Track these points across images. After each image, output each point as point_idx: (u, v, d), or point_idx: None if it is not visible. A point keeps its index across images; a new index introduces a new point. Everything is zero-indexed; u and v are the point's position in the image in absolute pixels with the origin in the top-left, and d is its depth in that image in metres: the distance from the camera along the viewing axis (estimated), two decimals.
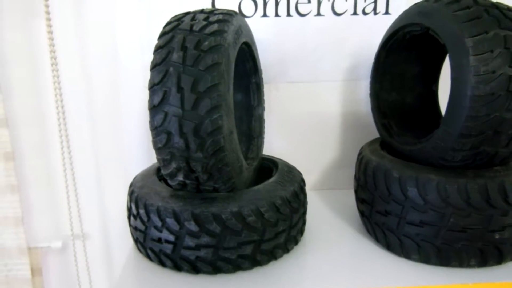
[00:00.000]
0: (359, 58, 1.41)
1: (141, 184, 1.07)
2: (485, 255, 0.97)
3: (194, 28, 0.92)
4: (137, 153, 1.46)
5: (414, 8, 1.08)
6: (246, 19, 1.32)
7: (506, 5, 0.97)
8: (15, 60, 1.35)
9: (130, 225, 1.07)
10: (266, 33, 1.38)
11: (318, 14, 1.38)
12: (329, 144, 1.50)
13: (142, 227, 1.00)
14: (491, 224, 0.95)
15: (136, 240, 1.05)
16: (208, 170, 0.92)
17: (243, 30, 1.05)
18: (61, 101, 1.35)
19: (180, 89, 0.87)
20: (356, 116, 1.46)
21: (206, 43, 0.89)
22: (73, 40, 1.36)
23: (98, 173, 1.49)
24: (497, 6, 0.94)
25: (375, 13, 1.38)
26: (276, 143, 1.45)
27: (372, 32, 1.37)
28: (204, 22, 0.93)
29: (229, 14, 0.98)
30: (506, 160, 1.00)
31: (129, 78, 1.41)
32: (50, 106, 1.37)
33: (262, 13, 1.37)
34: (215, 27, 0.92)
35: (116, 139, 1.45)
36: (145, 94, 1.37)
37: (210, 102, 0.87)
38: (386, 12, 1.38)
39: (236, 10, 1.35)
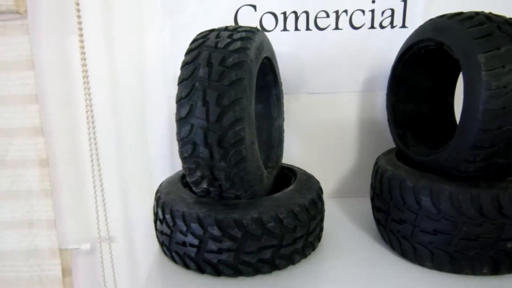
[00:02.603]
0: (376, 70, 1.45)
1: (167, 191, 1.13)
2: (497, 264, 1.00)
3: (219, 45, 0.98)
4: (161, 162, 1.53)
5: (429, 23, 1.12)
6: (267, 33, 1.38)
7: None
8: (50, 74, 1.44)
9: (156, 229, 1.14)
10: (286, 46, 1.43)
11: (337, 28, 1.43)
12: (346, 153, 1.55)
13: (168, 231, 1.06)
14: (503, 233, 0.97)
15: (161, 244, 1.12)
16: (230, 178, 0.98)
17: (265, 46, 1.11)
18: (92, 111, 1.42)
19: (205, 102, 0.93)
20: (372, 126, 1.50)
21: (230, 59, 0.95)
22: (103, 55, 1.44)
23: (124, 180, 1.57)
24: (510, 23, 0.97)
25: (392, 27, 1.43)
26: (295, 152, 1.50)
27: (389, 45, 1.42)
28: (228, 40, 1.00)
29: (251, 31, 1.04)
30: None
31: (153, 90, 1.48)
32: (81, 116, 1.45)
33: (282, 27, 1.42)
34: (238, 44, 0.98)
35: (141, 147, 1.53)
36: (168, 105, 1.47)
37: (234, 115, 0.93)
38: (403, 26, 1.42)
39: (258, 24, 1.42)
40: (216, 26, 1.10)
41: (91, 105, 1.42)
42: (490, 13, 1.02)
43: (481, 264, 1.00)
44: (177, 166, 1.46)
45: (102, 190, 1.51)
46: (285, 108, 1.39)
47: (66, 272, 1.52)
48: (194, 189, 1.06)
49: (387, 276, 1.06)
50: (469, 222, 0.98)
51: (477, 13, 1.01)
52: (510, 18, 1.00)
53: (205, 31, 1.07)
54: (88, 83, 1.41)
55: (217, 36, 1.02)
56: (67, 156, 1.50)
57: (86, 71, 1.39)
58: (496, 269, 1.01)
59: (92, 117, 1.42)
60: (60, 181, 1.51)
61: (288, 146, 1.41)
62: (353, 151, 1.54)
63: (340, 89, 1.49)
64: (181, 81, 0.98)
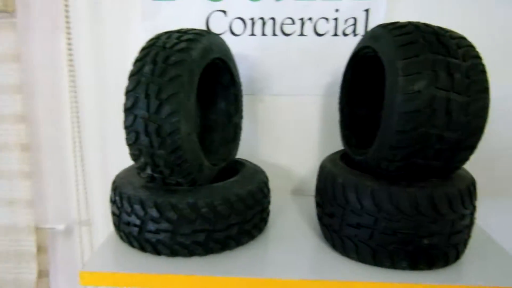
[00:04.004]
0: (338, 75, 1.50)
1: (122, 176, 1.24)
2: (416, 259, 1.05)
3: (167, 45, 1.09)
4: None
5: (369, 32, 1.19)
6: (236, 37, 1.49)
7: (450, 32, 1.06)
8: (37, 67, 1.59)
9: (111, 211, 1.25)
10: (253, 50, 1.53)
11: (302, 34, 1.51)
12: (308, 153, 1.62)
13: (117, 211, 1.17)
14: (420, 230, 1.03)
15: (114, 224, 1.23)
16: (169, 165, 1.08)
17: (214, 48, 1.20)
18: (76, 102, 1.56)
19: (147, 95, 1.04)
20: (332, 128, 1.56)
21: (173, 58, 1.06)
22: (89, 52, 1.59)
23: (105, 165, 1.69)
24: (437, 33, 1.03)
25: (355, 35, 1.50)
26: (258, 149, 1.59)
27: (351, 51, 1.48)
28: (176, 40, 1.10)
29: (200, 34, 1.14)
30: (443, 173, 1.08)
31: None
32: (65, 107, 1.59)
33: (250, 32, 1.52)
34: (183, 45, 1.08)
35: (122, 135, 1.64)
36: None
37: (170, 108, 1.03)
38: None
39: (227, 29, 1.52)
40: (184, 28, 1.21)
41: (76, 97, 1.56)
42: (423, 23, 1.08)
43: (400, 258, 1.06)
44: None
45: (83, 176, 1.64)
46: (250, 108, 1.48)
47: (41, 249, 1.65)
48: (141, 174, 1.17)
49: (317, 266, 1.13)
50: (388, 218, 1.04)
51: (411, 23, 1.08)
52: (440, 28, 1.05)
53: (160, 33, 1.18)
54: (74, 76, 1.55)
55: (168, 37, 1.13)
56: (51, 142, 1.64)
57: (73, 66, 1.53)
58: (414, 264, 1.06)
59: (77, 108, 1.56)
60: (43, 165, 1.65)
61: (250, 144, 1.50)
62: (314, 151, 1.61)
63: (303, 92, 1.57)
64: (130, 75, 1.09)
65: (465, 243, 1.11)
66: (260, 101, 1.58)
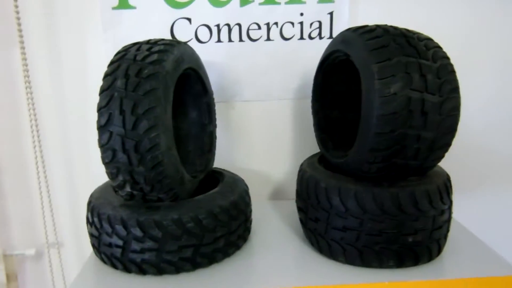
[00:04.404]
0: (306, 78, 1.54)
1: (98, 195, 1.19)
2: (402, 257, 1.08)
3: (138, 58, 1.05)
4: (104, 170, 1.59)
5: (339, 36, 1.21)
6: (202, 45, 1.46)
7: (417, 33, 1.09)
8: None
9: (88, 232, 1.20)
10: (221, 57, 1.51)
11: (268, 39, 1.51)
12: (280, 157, 1.63)
13: (96, 233, 1.12)
14: (404, 229, 1.06)
15: (93, 246, 1.18)
16: (150, 182, 1.05)
17: (186, 58, 1.18)
18: (36, 120, 1.48)
19: (122, 111, 1.00)
20: (304, 131, 1.59)
21: (146, 71, 1.02)
22: (45, 66, 1.51)
23: (70, 185, 1.62)
24: (405, 35, 1.06)
25: (320, 38, 1.52)
26: (231, 157, 1.57)
27: (318, 54, 1.48)
28: (147, 52, 1.07)
29: (170, 44, 1.11)
30: (420, 171, 1.11)
31: (97, 98, 1.54)
32: (25, 124, 1.51)
33: (216, 39, 1.50)
34: (155, 56, 1.05)
35: (85, 154, 1.58)
36: None
37: (148, 123, 0.99)
38: (330, 37, 1.51)
39: (193, 36, 1.49)
40: (153, 38, 1.18)
41: (35, 114, 1.48)
42: (391, 26, 1.11)
43: (387, 257, 1.08)
44: None
45: (48, 196, 1.56)
46: (222, 116, 1.47)
47: (11, 277, 1.56)
48: (119, 193, 1.12)
49: (305, 271, 1.13)
50: (373, 218, 1.06)
51: (379, 26, 1.10)
52: (408, 31, 1.09)
53: (129, 44, 1.14)
54: (31, 93, 1.47)
55: (138, 49, 1.09)
56: (11, 162, 1.55)
57: (29, 82, 1.45)
58: (400, 262, 1.09)
59: (37, 125, 1.48)
60: (4, 187, 1.56)
61: (224, 152, 1.48)
62: (286, 156, 1.62)
63: (273, 97, 1.57)
64: (102, 91, 1.04)
65: (445, 237, 1.15)
66: (231, 108, 1.56)
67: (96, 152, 1.56)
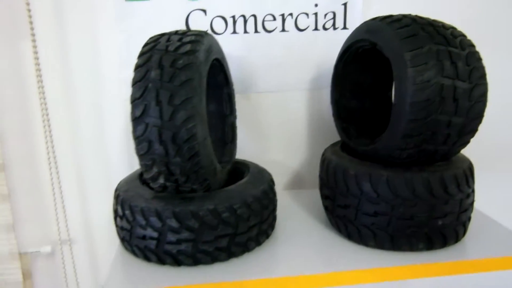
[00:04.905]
0: (321, 69, 1.56)
1: (125, 188, 1.18)
2: (431, 240, 1.11)
3: (170, 48, 1.04)
4: (119, 162, 1.57)
5: (364, 25, 1.23)
6: (217, 36, 1.46)
7: (441, 22, 1.12)
8: (3, 79, 1.45)
9: (116, 225, 1.18)
10: (236, 48, 1.51)
11: (283, 30, 1.52)
12: (296, 147, 1.64)
13: (128, 226, 1.11)
14: (434, 212, 1.09)
15: (122, 239, 1.16)
16: (185, 172, 1.04)
17: (214, 48, 1.18)
18: (47, 115, 1.45)
19: (158, 102, 0.99)
20: (320, 121, 1.61)
21: (181, 61, 1.01)
22: (57, 60, 1.47)
23: (82, 181, 1.59)
24: (432, 24, 1.09)
25: (334, 28, 1.53)
26: (248, 148, 1.58)
27: (332, 45, 1.52)
28: (178, 43, 1.06)
29: (200, 35, 1.11)
30: (446, 156, 1.15)
31: (109, 92, 1.52)
32: (36, 120, 1.47)
33: (232, 31, 1.50)
34: (188, 47, 1.04)
35: (98, 148, 1.56)
36: (124, 107, 1.51)
37: (185, 113, 0.99)
38: (344, 27, 1.53)
39: (208, 28, 1.48)
40: (168, 30, 1.16)
41: (46, 109, 1.44)
42: (416, 15, 1.13)
43: (417, 240, 1.11)
44: (135, 165, 1.51)
45: (61, 193, 1.53)
46: (237, 107, 1.46)
47: (26, 275, 1.52)
48: (151, 185, 1.11)
49: (335, 258, 1.15)
50: (404, 203, 1.09)
51: (405, 16, 1.13)
52: (433, 20, 1.12)
53: (156, 35, 1.13)
54: (42, 87, 1.43)
55: (168, 40, 1.08)
56: (23, 160, 1.51)
57: (40, 76, 1.41)
58: (430, 245, 1.12)
59: (48, 120, 1.44)
60: (17, 185, 1.52)
61: (242, 143, 1.48)
62: (302, 146, 1.64)
63: (288, 88, 1.58)
64: (135, 82, 1.03)
65: (469, 219, 1.19)
66: (246, 99, 1.56)
67: (108, 146, 1.57)
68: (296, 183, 1.67)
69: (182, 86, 1.00)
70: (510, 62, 1.65)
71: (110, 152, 1.56)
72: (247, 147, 1.58)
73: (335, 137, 1.50)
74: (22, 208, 1.54)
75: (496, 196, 1.72)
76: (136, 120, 1.02)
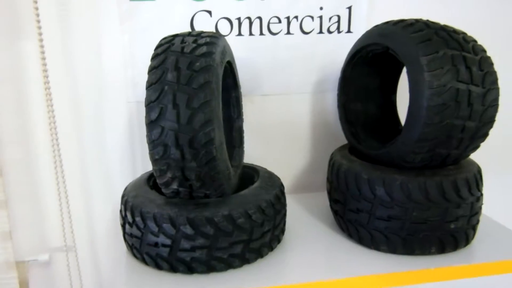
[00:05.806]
0: (325, 72, 1.55)
1: (134, 194, 1.14)
2: (443, 243, 1.12)
3: (185, 50, 1.02)
4: (121, 167, 1.52)
5: (375, 29, 1.23)
6: None
7: (452, 28, 1.13)
8: (3, 78, 1.39)
9: (125, 232, 1.14)
10: (241, 50, 1.48)
11: (288, 33, 1.51)
12: (300, 150, 1.64)
13: (138, 233, 1.07)
14: (447, 216, 1.10)
15: (131, 246, 1.13)
16: (201, 178, 1.02)
17: (227, 50, 1.16)
18: (54, 117, 1.39)
19: (175, 105, 0.97)
20: (324, 124, 1.60)
21: (198, 63, 0.99)
22: (61, 61, 1.41)
23: (84, 187, 1.54)
24: (445, 29, 1.10)
25: (339, 32, 1.53)
26: (252, 152, 1.56)
27: (337, 48, 1.52)
28: (194, 45, 1.03)
29: (215, 37, 1.09)
30: (457, 160, 1.16)
31: (113, 96, 1.47)
32: (36, 125, 1.42)
33: (237, 32, 1.48)
34: (204, 49, 1.02)
35: (101, 153, 1.51)
36: (128, 110, 1.47)
37: (204, 117, 0.96)
38: (349, 31, 1.53)
39: (213, 29, 1.46)
40: (172, 32, 1.14)
41: (53, 111, 1.38)
42: (428, 20, 1.14)
43: (429, 244, 1.12)
44: (138, 170, 1.48)
45: (59, 199, 1.48)
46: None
47: (23, 285, 1.46)
48: (163, 190, 1.09)
49: (346, 262, 1.14)
50: (418, 207, 1.09)
51: (417, 20, 1.13)
52: (444, 25, 1.13)
53: (168, 37, 1.10)
54: (49, 88, 1.38)
55: (182, 41, 1.05)
56: (21, 166, 1.45)
57: (47, 77, 1.35)
58: (442, 248, 1.13)
59: (55, 122, 1.39)
60: (14, 192, 1.46)
61: (246, 146, 1.46)
62: (306, 149, 1.63)
63: (293, 90, 1.57)
64: (150, 85, 1.00)
65: (478, 222, 1.20)
66: (250, 102, 1.55)
67: (111, 151, 1.52)
68: (300, 186, 1.66)
69: (200, 88, 0.97)
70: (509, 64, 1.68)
71: (112, 156, 1.51)
72: (251, 150, 1.56)
73: (339, 140, 1.50)
74: (19, 215, 1.48)
75: (496, 197, 1.75)
76: (152, 123, 0.99)
